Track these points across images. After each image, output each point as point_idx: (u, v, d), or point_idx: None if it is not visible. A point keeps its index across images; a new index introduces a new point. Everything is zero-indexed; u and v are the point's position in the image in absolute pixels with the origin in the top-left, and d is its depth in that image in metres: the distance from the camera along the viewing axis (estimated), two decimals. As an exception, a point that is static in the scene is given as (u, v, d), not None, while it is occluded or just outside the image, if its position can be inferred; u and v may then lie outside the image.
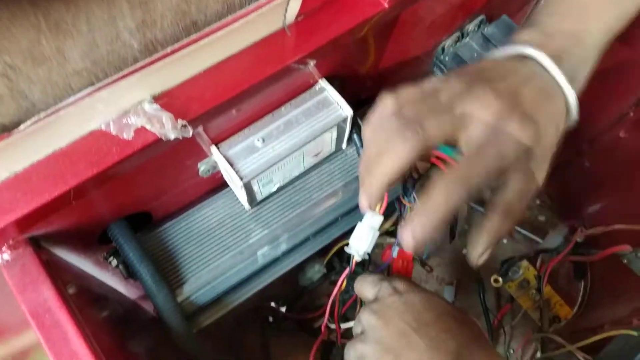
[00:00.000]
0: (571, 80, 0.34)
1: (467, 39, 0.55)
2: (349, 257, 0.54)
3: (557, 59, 0.34)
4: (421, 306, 0.40)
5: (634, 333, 0.53)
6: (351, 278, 0.56)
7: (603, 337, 0.57)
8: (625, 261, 0.62)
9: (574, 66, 0.35)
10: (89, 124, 0.30)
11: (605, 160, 0.68)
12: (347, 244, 0.48)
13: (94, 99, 0.29)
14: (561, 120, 0.34)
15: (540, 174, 0.32)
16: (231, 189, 0.48)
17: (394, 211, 0.69)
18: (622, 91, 0.62)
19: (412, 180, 0.47)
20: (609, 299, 0.69)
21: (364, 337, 0.40)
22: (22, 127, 0.26)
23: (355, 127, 0.48)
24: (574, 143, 0.71)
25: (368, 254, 0.50)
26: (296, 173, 0.48)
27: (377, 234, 0.48)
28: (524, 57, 0.34)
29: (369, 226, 0.47)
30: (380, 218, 0.47)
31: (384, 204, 0.46)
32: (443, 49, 0.56)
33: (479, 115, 0.30)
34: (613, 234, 0.62)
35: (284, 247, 0.50)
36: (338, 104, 0.45)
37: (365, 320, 0.41)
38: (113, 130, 0.31)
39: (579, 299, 0.73)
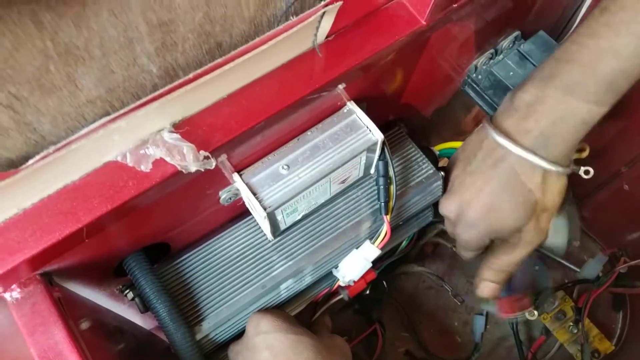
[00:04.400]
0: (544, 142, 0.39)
1: (502, 56, 0.52)
2: (369, 283, 0.53)
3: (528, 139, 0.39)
4: (290, 352, 0.39)
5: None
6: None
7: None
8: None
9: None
10: (103, 155, 0.28)
11: (645, 183, 0.64)
12: (336, 267, 0.48)
13: (110, 130, 0.26)
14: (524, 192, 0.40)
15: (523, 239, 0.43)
16: (253, 218, 0.45)
17: (421, 237, 0.66)
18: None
19: None
20: (651, 332, 0.65)
21: None
22: (30, 162, 0.23)
23: (383, 153, 0.45)
24: (610, 165, 0.67)
25: (385, 285, 0.51)
26: (322, 200, 0.45)
27: (369, 266, 0.49)
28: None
29: (364, 257, 0.46)
30: (378, 252, 0.46)
31: (385, 240, 0.45)
32: (476, 67, 0.53)
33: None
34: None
35: (308, 279, 0.47)
36: (367, 127, 0.42)
37: None
38: (130, 162, 0.28)
39: (618, 332, 0.69)
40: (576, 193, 0.70)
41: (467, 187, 0.43)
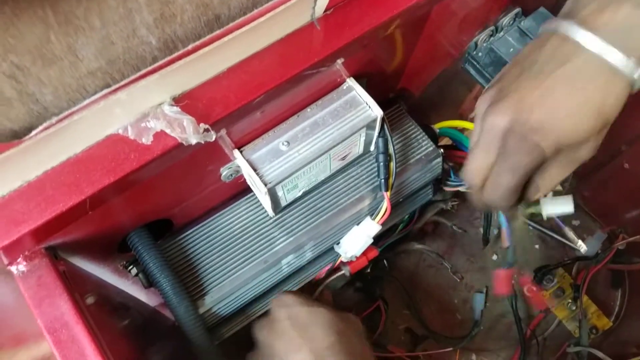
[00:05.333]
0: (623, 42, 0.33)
1: (502, 33, 0.52)
2: (371, 261, 0.53)
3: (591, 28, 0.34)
4: (308, 320, 0.42)
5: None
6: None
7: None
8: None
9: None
10: (105, 128, 0.28)
11: (646, 161, 0.64)
12: (338, 243, 0.49)
13: (111, 102, 0.27)
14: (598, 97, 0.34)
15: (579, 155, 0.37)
16: (254, 195, 0.46)
17: (422, 215, 0.67)
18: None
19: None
20: (650, 309, 0.65)
21: (258, 352, 0.43)
22: (33, 132, 0.24)
23: (383, 130, 0.45)
24: (610, 143, 0.67)
25: (385, 263, 0.51)
26: (322, 177, 0.46)
27: (371, 241, 0.48)
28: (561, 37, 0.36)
29: (365, 233, 0.47)
30: (378, 227, 0.47)
31: (385, 216, 0.45)
32: (476, 45, 0.53)
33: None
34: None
35: (309, 255, 0.47)
36: (367, 104, 0.42)
37: (256, 335, 0.44)
38: (131, 134, 0.29)
39: (616, 308, 0.69)
40: (576, 172, 0.70)
41: (529, 90, 0.36)
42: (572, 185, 0.76)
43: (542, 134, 0.35)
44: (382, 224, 0.48)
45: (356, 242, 0.48)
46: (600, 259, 0.62)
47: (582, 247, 0.63)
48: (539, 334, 0.67)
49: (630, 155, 0.65)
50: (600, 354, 0.56)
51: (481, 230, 0.70)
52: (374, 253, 0.55)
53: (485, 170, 0.39)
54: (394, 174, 0.46)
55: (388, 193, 0.46)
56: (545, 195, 0.42)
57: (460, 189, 0.54)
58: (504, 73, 0.40)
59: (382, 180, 0.46)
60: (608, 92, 0.34)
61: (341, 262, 0.52)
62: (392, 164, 0.46)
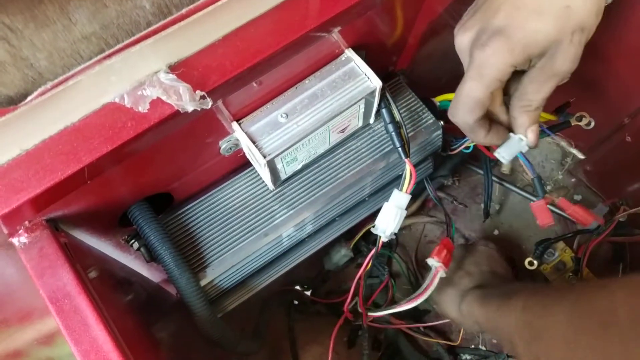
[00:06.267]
0: None
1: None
2: (375, 239, 0.52)
3: None
4: None
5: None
6: (377, 259, 0.54)
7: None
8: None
9: None
10: (101, 96, 0.28)
11: (648, 134, 0.63)
12: (374, 226, 0.46)
13: (106, 70, 0.27)
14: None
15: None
16: (254, 168, 0.46)
17: (423, 190, 0.67)
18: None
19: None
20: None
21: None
22: (29, 98, 0.24)
23: (384, 100, 0.45)
24: (613, 117, 0.66)
25: (395, 234, 0.47)
26: (321, 150, 0.46)
27: (405, 213, 0.46)
28: None
29: (396, 206, 0.45)
30: (408, 197, 0.45)
31: (412, 183, 0.44)
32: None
33: None
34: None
35: (309, 228, 0.48)
36: (366, 75, 0.42)
37: None
38: (128, 102, 0.29)
39: (618, 281, 0.69)
40: (578, 147, 0.70)
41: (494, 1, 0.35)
42: (576, 160, 0.76)
43: (506, 35, 0.34)
44: (410, 192, 0.45)
45: (391, 217, 0.46)
46: (601, 231, 0.62)
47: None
48: (540, 308, 0.67)
49: (632, 128, 0.65)
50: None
51: (482, 205, 0.70)
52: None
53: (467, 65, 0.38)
54: (408, 139, 0.45)
55: (409, 159, 0.44)
56: (533, 115, 0.39)
57: (466, 144, 0.52)
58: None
59: (399, 148, 0.44)
60: (582, 2, 0.33)
61: (383, 243, 0.48)
62: (403, 130, 0.45)
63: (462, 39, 0.37)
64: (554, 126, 0.48)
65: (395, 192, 0.45)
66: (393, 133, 0.44)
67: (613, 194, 0.70)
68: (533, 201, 0.52)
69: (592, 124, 0.50)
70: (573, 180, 0.75)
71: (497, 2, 0.35)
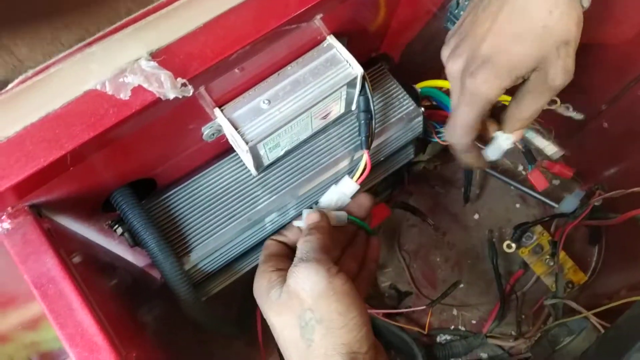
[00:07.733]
0: None
1: (484, -9, 0.52)
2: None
3: None
4: None
5: (653, 298, 0.52)
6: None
7: (620, 304, 0.55)
8: (642, 225, 0.60)
9: None
10: (83, 83, 0.28)
11: (624, 121, 0.65)
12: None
13: (87, 57, 0.27)
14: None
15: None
16: (237, 154, 0.46)
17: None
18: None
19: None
20: (624, 264, 0.67)
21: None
22: (9, 86, 0.24)
23: (364, 88, 0.45)
24: (591, 103, 0.68)
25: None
26: (304, 137, 0.46)
27: (348, 201, 0.48)
28: None
29: (342, 192, 0.47)
30: (357, 187, 0.47)
31: (365, 174, 0.46)
32: (458, 3, 0.52)
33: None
34: (632, 197, 0.60)
35: (292, 213, 0.48)
36: (347, 62, 0.42)
37: None
38: (109, 90, 0.29)
39: (593, 264, 0.72)
40: (558, 134, 0.71)
41: (479, 26, 0.37)
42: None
43: (492, 62, 0.36)
44: (361, 184, 0.48)
45: (333, 201, 0.49)
46: (577, 214, 0.64)
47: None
48: (517, 290, 0.69)
49: (610, 115, 0.66)
50: (574, 304, 0.58)
51: (462, 190, 0.71)
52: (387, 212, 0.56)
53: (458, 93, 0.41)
54: (373, 133, 0.47)
55: (368, 151, 0.46)
56: (527, 126, 0.44)
57: None
58: (461, 21, 0.41)
59: (363, 138, 0.46)
60: (550, 5, 0.34)
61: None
62: (372, 123, 0.46)
63: (453, 67, 0.40)
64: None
65: (346, 178, 0.47)
66: (362, 122, 0.46)
67: (590, 178, 0.71)
68: (513, 186, 0.55)
69: (571, 109, 0.51)
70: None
71: (482, 28, 0.37)
